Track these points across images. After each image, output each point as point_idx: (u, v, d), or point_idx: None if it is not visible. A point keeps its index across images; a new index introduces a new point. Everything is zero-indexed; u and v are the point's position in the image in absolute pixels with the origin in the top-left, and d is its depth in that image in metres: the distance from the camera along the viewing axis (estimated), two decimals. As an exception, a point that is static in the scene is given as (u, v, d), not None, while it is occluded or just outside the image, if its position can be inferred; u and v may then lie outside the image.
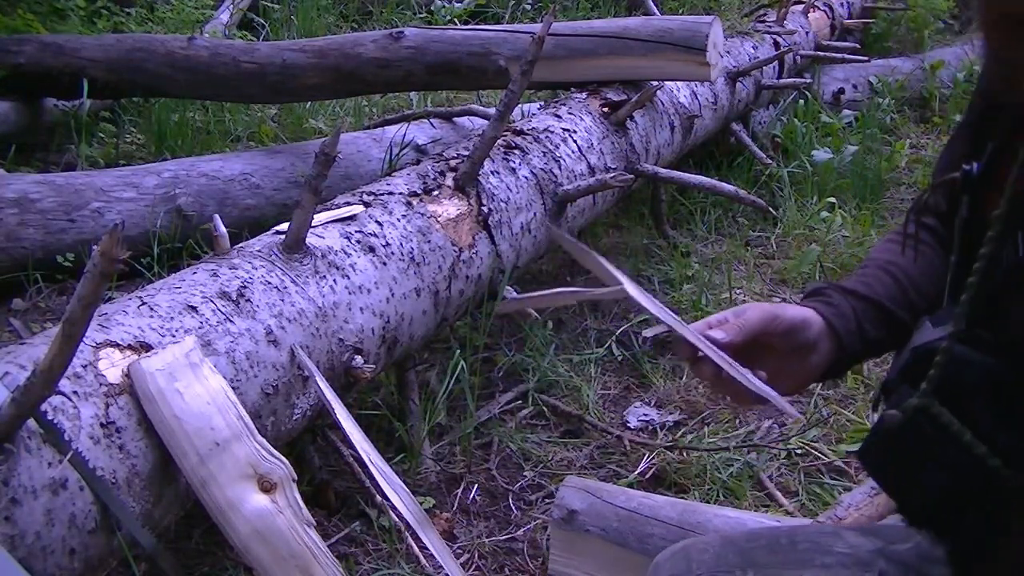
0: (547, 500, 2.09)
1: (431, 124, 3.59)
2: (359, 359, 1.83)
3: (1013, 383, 0.83)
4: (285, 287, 1.72)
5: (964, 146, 1.08)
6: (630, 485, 2.07)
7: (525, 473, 2.21)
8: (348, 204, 2.06)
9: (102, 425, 1.31)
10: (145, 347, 1.43)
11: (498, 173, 2.41)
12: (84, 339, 1.18)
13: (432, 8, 5.74)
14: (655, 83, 3.10)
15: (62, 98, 3.59)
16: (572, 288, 0.89)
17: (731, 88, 3.89)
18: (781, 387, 0.98)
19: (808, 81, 4.76)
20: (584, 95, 3.03)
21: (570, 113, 2.87)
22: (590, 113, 2.92)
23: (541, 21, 2.51)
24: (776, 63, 4.37)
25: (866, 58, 5.21)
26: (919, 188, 4.07)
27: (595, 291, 0.95)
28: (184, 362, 1.43)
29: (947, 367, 0.86)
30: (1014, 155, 0.90)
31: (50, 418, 1.24)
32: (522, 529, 2.02)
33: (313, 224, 1.83)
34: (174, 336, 1.48)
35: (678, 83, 3.42)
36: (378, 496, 1.91)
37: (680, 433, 2.37)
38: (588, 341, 2.77)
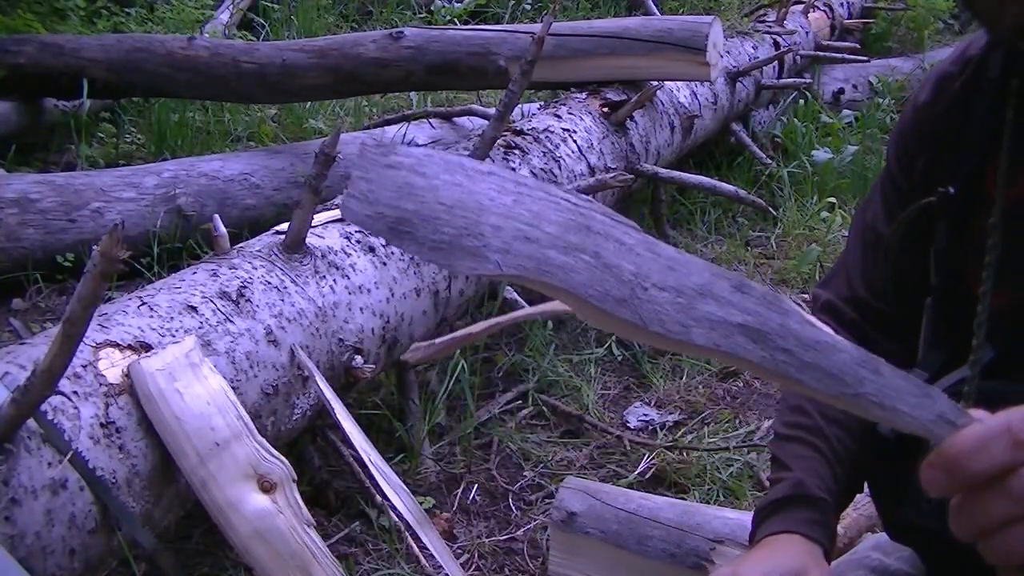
0: (547, 500, 2.09)
1: (431, 124, 3.59)
2: (359, 359, 1.83)
3: None
4: (285, 287, 1.72)
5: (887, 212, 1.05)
6: (630, 485, 2.06)
7: (525, 473, 2.21)
8: (348, 204, 2.06)
9: (102, 425, 1.31)
10: (145, 347, 1.44)
11: (498, 173, 2.41)
12: (84, 339, 1.18)
13: (432, 8, 5.74)
14: (655, 83, 3.10)
15: (62, 98, 3.59)
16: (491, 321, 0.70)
17: (731, 88, 3.89)
18: None
19: (808, 81, 4.76)
20: (584, 95, 3.03)
21: (570, 113, 2.87)
22: (590, 113, 2.92)
23: (541, 21, 2.51)
24: (776, 63, 4.37)
25: (866, 58, 5.21)
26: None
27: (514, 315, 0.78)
28: (184, 362, 1.43)
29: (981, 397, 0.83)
30: (994, 170, 0.89)
31: (50, 418, 1.24)
32: (522, 529, 2.02)
33: (313, 224, 1.83)
34: (174, 336, 1.48)
35: (678, 83, 3.42)
36: (378, 496, 1.91)
37: (680, 433, 2.37)
38: (588, 341, 2.77)
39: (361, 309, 1.86)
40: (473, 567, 1.90)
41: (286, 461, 1.43)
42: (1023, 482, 0.55)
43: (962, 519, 0.58)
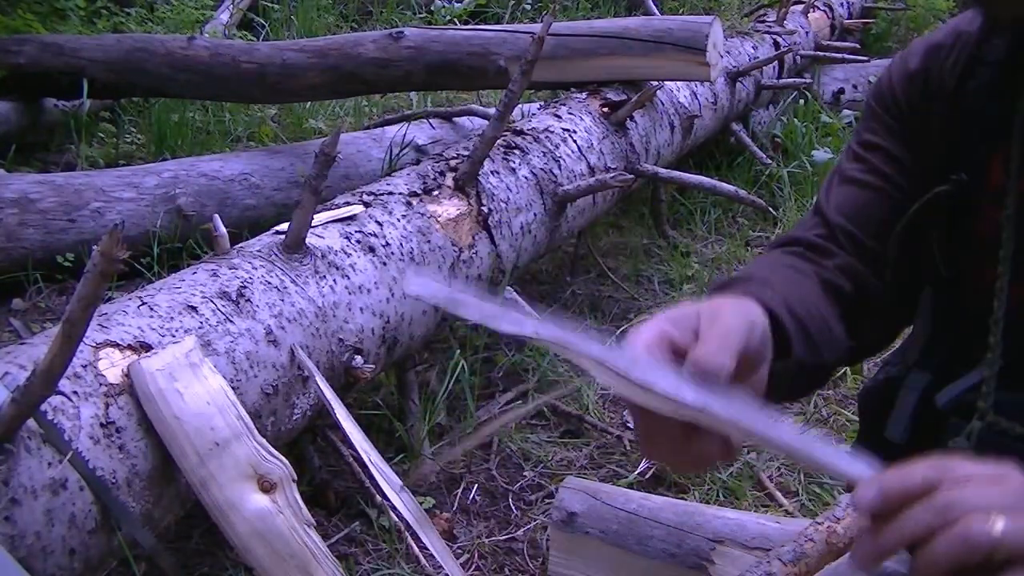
0: (547, 500, 2.09)
1: (431, 124, 3.59)
2: (359, 359, 1.83)
3: None
4: (285, 287, 1.72)
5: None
6: (630, 485, 2.06)
7: (525, 473, 2.21)
8: (348, 204, 2.06)
9: (102, 425, 1.31)
10: (145, 347, 1.43)
11: (498, 173, 2.41)
12: (84, 339, 1.18)
13: (432, 8, 5.74)
14: (655, 83, 3.10)
15: (62, 98, 3.59)
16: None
17: (731, 88, 3.89)
18: None
19: (808, 81, 4.77)
20: (584, 95, 3.03)
21: (570, 113, 2.87)
22: (590, 113, 2.92)
23: (541, 21, 2.51)
24: (776, 63, 4.37)
25: (866, 58, 5.21)
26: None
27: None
28: (184, 362, 1.42)
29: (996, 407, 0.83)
30: (1001, 160, 0.86)
31: (50, 418, 1.24)
32: (522, 529, 2.02)
33: (313, 224, 1.83)
34: (174, 336, 1.48)
35: (678, 83, 3.42)
36: (378, 496, 1.91)
37: (680, 433, 2.37)
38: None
39: (361, 309, 1.86)
40: (473, 567, 1.90)
41: (286, 461, 1.43)
42: (944, 495, 0.59)
43: (891, 533, 0.60)
